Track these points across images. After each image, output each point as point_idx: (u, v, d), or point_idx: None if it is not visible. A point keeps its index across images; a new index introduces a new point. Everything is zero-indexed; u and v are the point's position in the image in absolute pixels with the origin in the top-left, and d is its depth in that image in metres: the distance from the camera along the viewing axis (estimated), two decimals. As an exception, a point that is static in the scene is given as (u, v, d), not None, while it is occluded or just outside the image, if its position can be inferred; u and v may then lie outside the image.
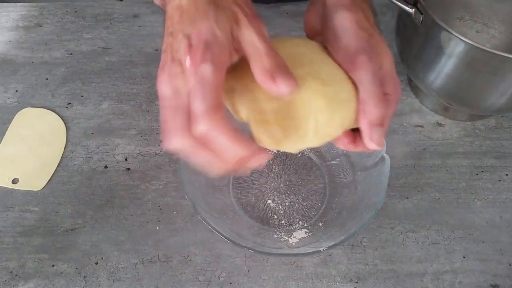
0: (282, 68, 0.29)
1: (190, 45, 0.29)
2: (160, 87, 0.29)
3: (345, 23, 0.34)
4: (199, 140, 0.28)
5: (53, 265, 0.45)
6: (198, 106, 0.27)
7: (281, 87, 0.28)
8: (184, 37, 0.29)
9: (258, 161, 0.30)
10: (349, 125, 0.34)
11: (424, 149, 0.54)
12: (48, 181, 0.50)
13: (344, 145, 0.36)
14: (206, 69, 0.28)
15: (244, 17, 0.30)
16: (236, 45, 0.30)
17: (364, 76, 0.33)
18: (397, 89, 0.35)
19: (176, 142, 0.28)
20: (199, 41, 0.28)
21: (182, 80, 0.29)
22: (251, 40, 0.30)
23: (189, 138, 0.28)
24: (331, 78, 0.33)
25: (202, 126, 0.27)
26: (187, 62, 0.28)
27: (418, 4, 0.46)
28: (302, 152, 0.52)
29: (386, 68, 0.34)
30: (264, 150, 0.30)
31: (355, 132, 0.35)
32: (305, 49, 0.34)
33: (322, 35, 0.37)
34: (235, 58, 0.31)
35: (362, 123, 0.33)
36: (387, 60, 0.35)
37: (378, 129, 0.33)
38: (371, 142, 0.33)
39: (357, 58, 0.33)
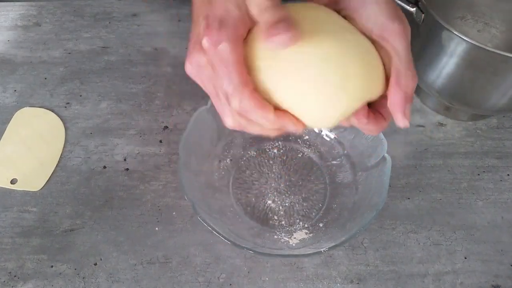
0: (282, 21, 0.28)
1: (207, 25, 0.29)
2: (192, 76, 0.31)
3: None
4: (242, 114, 0.30)
5: (52, 266, 0.45)
6: (227, 85, 0.29)
7: (276, 40, 0.27)
8: (203, 19, 0.29)
9: (293, 126, 0.31)
10: (376, 93, 0.31)
11: (425, 149, 0.54)
12: (47, 181, 0.50)
13: (358, 120, 0.33)
14: (223, 47, 0.28)
15: None
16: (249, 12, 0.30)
17: (400, 44, 0.30)
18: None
19: (228, 122, 0.32)
20: (214, 20, 0.29)
21: (207, 65, 0.30)
22: (256, 1, 0.29)
23: (235, 115, 0.31)
24: (359, 42, 0.31)
25: (235, 103, 0.29)
26: (204, 43, 0.29)
27: (419, 3, 0.45)
28: (302, 152, 0.52)
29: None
30: (293, 118, 0.31)
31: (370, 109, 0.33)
32: (325, 15, 0.32)
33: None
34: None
35: (396, 96, 0.30)
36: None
37: (409, 105, 0.30)
38: (404, 118, 0.30)
39: (391, 25, 0.30)
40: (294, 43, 0.28)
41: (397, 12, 0.31)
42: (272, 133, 0.32)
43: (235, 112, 0.30)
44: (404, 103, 0.30)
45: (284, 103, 0.30)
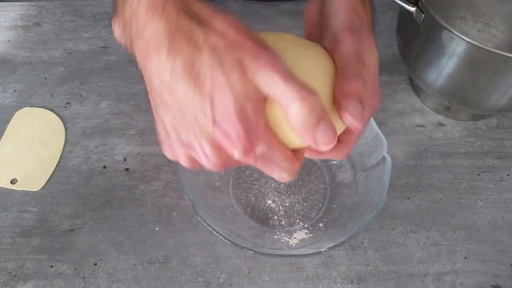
0: (321, 122, 0.26)
1: (226, 136, 0.26)
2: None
3: (339, 6, 0.32)
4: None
5: (52, 266, 0.45)
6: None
7: (322, 147, 0.27)
8: (212, 126, 0.27)
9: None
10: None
11: (425, 149, 0.54)
12: (47, 181, 0.50)
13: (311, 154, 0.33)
14: (263, 149, 0.27)
15: (251, 59, 0.26)
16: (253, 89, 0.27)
17: (344, 51, 0.30)
18: (376, 96, 0.32)
19: (181, 159, 0.30)
20: (232, 123, 0.26)
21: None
22: (273, 85, 0.26)
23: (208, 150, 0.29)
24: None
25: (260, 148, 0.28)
26: (238, 155, 0.27)
27: (419, 3, 0.45)
28: (302, 152, 0.52)
29: (372, 69, 0.32)
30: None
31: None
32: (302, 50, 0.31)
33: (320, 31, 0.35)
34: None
35: (337, 94, 0.29)
36: (374, 60, 0.32)
37: (355, 103, 0.29)
38: (347, 114, 0.29)
39: (341, 35, 0.31)
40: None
41: (353, 23, 0.32)
42: (214, 168, 0.30)
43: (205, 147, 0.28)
44: (345, 99, 0.29)
45: None
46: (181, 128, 0.28)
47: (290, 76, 0.26)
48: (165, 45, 0.26)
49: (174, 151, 0.31)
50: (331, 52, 0.31)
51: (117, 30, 0.31)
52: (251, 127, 0.26)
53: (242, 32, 0.27)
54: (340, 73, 0.30)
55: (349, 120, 0.29)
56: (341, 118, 0.29)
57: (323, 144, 0.26)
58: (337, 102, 0.29)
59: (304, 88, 0.26)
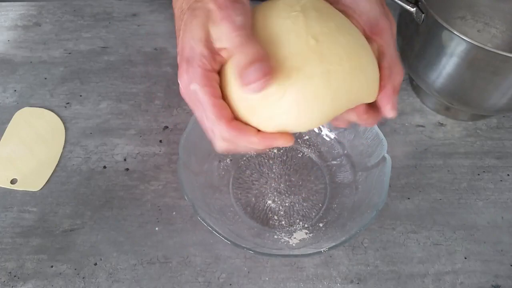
0: (253, 64, 0.28)
1: (179, 65, 0.31)
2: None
3: None
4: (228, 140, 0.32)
5: (52, 266, 0.45)
6: (206, 121, 0.31)
7: (250, 87, 0.28)
8: (178, 53, 0.31)
9: (282, 142, 0.32)
10: (369, 98, 0.33)
11: (425, 149, 0.54)
12: (47, 181, 0.50)
13: (359, 116, 0.34)
14: (193, 87, 0.30)
15: (216, 10, 0.29)
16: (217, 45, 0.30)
17: (389, 40, 0.32)
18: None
19: (217, 147, 0.33)
20: (182, 60, 0.30)
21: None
22: (226, 36, 0.29)
23: (222, 141, 0.32)
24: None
25: (218, 134, 0.31)
26: (180, 85, 0.31)
27: (420, 3, 0.45)
28: (302, 152, 0.52)
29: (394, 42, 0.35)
30: (280, 134, 0.31)
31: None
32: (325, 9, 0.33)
33: None
34: (225, 55, 0.31)
35: (387, 89, 0.32)
36: (394, 32, 0.35)
37: (396, 97, 0.33)
38: (393, 109, 0.32)
39: (380, 21, 0.32)
40: (266, 88, 0.29)
41: (385, 9, 0.34)
42: (263, 149, 0.33)
43: (222, 138, 0.32)
44: (393, 95, 0.32)
45: (266, 120, 0.31)
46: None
47: (238, 29, 0.28)
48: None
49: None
50: (372, 36, 0.33)
51: None
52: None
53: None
54: (388, 64, 0.32)
55: (390, 111, 0.33)
56: (381, 108, 0.33)
57: (250, 83, 0.28)
58: (384, 92, 0.32)
59: (245, 39, 0.28)
